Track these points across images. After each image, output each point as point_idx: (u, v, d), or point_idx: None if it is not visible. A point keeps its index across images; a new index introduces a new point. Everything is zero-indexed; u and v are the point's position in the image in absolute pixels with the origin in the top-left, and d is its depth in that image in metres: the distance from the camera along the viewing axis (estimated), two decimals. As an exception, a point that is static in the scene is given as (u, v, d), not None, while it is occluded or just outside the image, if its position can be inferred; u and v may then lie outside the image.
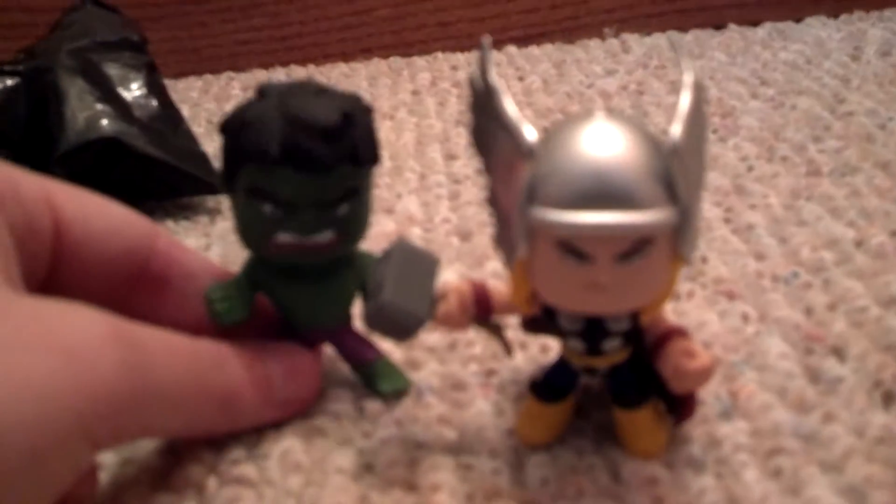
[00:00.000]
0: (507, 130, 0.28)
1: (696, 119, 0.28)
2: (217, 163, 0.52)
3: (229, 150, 0.33)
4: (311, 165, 0.31)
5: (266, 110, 0.31)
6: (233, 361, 0.32)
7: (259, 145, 0.31)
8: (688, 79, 0.28)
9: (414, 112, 0.66)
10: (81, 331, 0.26)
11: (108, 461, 0.34)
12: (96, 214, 0.33)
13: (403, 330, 0.32)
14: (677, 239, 0.28)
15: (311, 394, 0.35)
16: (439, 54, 0.77)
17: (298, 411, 0.35)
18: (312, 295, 0.35)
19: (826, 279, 0.42)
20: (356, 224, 0.34)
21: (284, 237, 0.32)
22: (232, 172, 0.33)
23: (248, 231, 0.34)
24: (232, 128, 0.32)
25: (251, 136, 0.31)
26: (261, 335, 0.36)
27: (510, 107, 0.28)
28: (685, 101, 0.28)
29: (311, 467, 0.33)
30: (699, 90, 0.29)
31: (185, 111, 0.57)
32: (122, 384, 0.27)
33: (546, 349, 0.38)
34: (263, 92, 0.32)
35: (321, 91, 0.32)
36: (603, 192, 0.27)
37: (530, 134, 0.28)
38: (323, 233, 0.33)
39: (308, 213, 0.32)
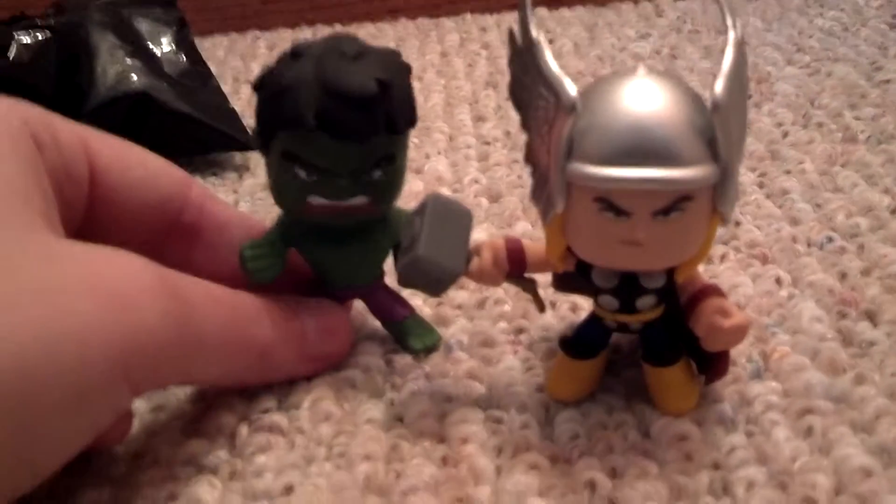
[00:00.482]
0: (548, 85, 0.28)
1: (739, 77, 0.28)
2: (246, 119, 0.53)
3: (264, 114, 0.32)
4: (346, 135, 0.31)
5: (302, 76, 0.31)
6: (270, 315, 0.32)
7: (294, 113, 0.31)
8: (732, 36, 0.28)
9: (442, 73, 0.65)
10: (127, 278, 0.27)
11: (141, 408, 0.34)
12: (132, 162, 0.33)
13: (437, 284, 0.32)
14: (717, 196, 0.28)
15: (343, 349, 0.36)
16: (468, 16, 0.77)
17: (330, 366, 0.35)
18: (345, 254, 0.35)
19: (861, 244, 0.42)
20: (390, 188, 0.34)
21: (318, 200, 0.32)
22: (267, 135, 0.32)
23: (282, 193, 0.33)
24: (268, 91, 0.32)
25: (287, 104, 0.31)
26: (293, 290, 0.36)
27: (551, 61, 0.28)
28: (728, 58, 0.27)
29: (342, 418, 0.33)
30: (742, 48, 0.28)
31: (212, 69, 0.57)
32: (164, 332, 0.27)
33: (577, 308, 0.38)
34: (299, 52, 0.32)
35: (358, 54, 0.31)
36: (643, 148, 0.27)
37: (571, 89, 0.27)
38: (357, 197, 0.32)
39: (342, 178, 0.32)
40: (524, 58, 0.29)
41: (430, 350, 0.36)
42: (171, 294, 0.27)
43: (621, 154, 0.27)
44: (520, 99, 0.30)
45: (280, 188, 0.33)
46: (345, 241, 0.34)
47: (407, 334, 0.37)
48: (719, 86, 0.27)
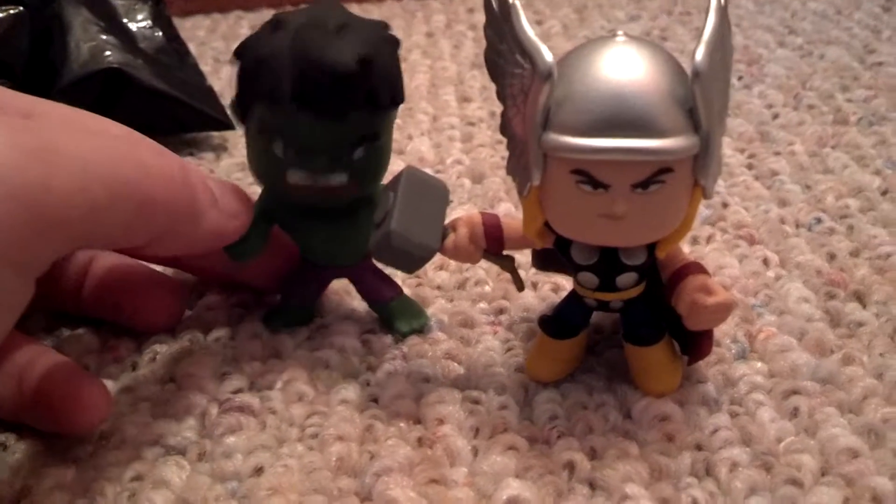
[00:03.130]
0: (524, 52, 0.27)
1: (721, 45, 0.27)
2: (225, 100, 0.52)
3: (242, 84, 0.31)
4: (323, 111, 0.30)
5: (280, 48, 0.30)
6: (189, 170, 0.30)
7: (271, 88, 0.30)
8: (713, 2, 0.27)
9: (428, 54, 0.64)
10: None
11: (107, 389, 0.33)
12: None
13: (411, 260, 0.30)
14: (697, 168, 0.27)
15: (248, 215, 0.33)
16: (455, -4, 0.76)
17: (242, 227, 0.32)
18: (330, 234, 0.34)
19: (850, 226, 0.41)
20: (373, 168, 0.32)
21: (296, 176, 0.31)
22: (244, 106, 0.31)
23: (260, 166, 0.32)
24: (245, 61, 0.31)
25: (263, 76, 0.30)
26: (277, 265, 0.35)
27: (527, 27, 0.27)
28: (710, 23, 0.26)
29: (315, 398, 0.32)
30: (725, 15, 0.27)
31: (193, 49, 0.56)
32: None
33: (558, 288, 0.37)
34: (280, 23, 0.31)
35: (341, 27, 0.30)
36: (622, 118, 0.26)
37: (548, 55, 0.26)
38: (336, 175, 0.31)
39: (321, 155, 0.31)
40: (500, 24, 0.28)
41: (417, 332, 0.35)
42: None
43: (599, 124, 0.26)
44: (496, 67, 0.29)
45: (258, 161, 0.32)
46: (329, 220, 0.33)
47: (394, 316, 0.35)
48: (699, 53, 0.26)
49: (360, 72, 0.29)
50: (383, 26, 0.32)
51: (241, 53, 0.31)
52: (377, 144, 0.32)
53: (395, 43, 0.32)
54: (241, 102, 0.31)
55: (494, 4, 0.29)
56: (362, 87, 0.30)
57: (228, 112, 0.32)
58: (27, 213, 0.24)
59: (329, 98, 0.29)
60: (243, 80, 0.31)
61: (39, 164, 0.24)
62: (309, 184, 0.31)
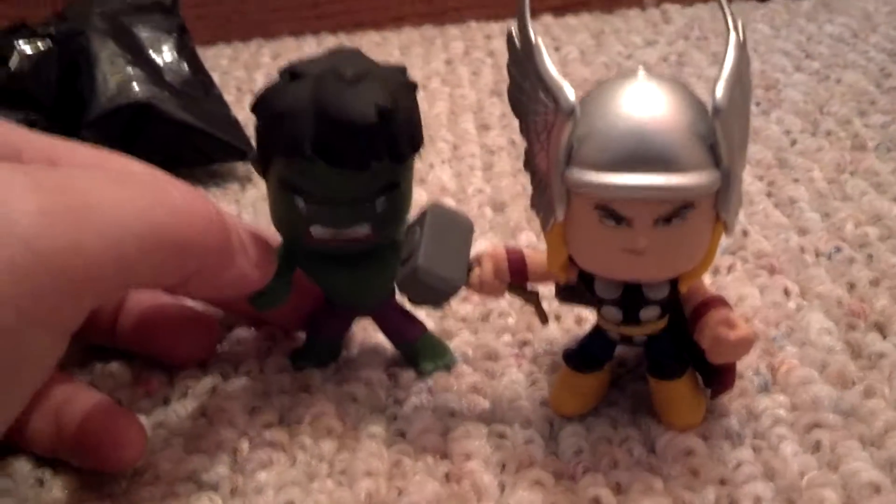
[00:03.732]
0: (547, 89, 0.27)
1: (741, 80, 0.28)
2: (249, 129, 0.53)
3: (261, 138, 0.31)
4: (344, 164, 0.30)
5: (299, 101, 0.30)
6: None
7: (291, 141, 0.30)
8: (733, 38, 0.27)
9: (447, 82, 0.65)
10: None
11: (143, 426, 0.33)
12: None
13: (437, 296, 0.31)
14: (719, 203, 0.28)
15: (273, 266, 0.33)
16: (473, 23, 0.76)
17: (266, 277, 0.32)
18: (353, 279, 0.34)
19: (870, 254, 0.41)
20: (395, 215, 0.32)
21: (319, 230, 0.31)
22: (265, 160, 0.31)
23: (282, 221, 0.32)
24: (264, 115, 0.31)
25: (283, 130, 0.30)
26: (302, 306, 0.36)
27: (550, 65, 0.27)
28: (729, 60, 0.27)
29: (344, 433, 0.33)
30: (743, 51, 0.28)
31: (215, 79, 0.57)
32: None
33: (581, 320, 0.38)
34: (298, 73, 0.30)
35: (359, 76, 0.30)
36: (643, 154, 0.27)
37: (570, 93, 0.27)
38: (359, 226, 0.31)
39: (343, 208, 0.31)
40: (523, 62, 0.29)
41: (442, 370, 0.35)
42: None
43: (621, 160, 0.27)
44: (519, 104, 0.30)
45: (280, 216, 0.32)
46: (352, 265, 0.33)
47: (419, 355, 0.36)
48: (720, 89, 0.26)
49: (381, 123, 0.29)
50: (401, 71, 0.32)
51: (259, 107, 0.31)
52: (398, 192, 0.32)
53: (414, 88, 0.32)
54: (262, 157, 0.31)
55: (517, 43, 0.29)
56: (383, 139, 0.30)
57: (252, 163, 0.32)
58: (58, 278, 0.24)
59: (350, 151, 0.30)
60: (263, 134, 0.31)
61: (69, 227, 0.25)
62: (332, 236, 0.31)
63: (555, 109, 0.27)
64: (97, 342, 0.37)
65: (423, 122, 0.32)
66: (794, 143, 0.53)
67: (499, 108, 0.59)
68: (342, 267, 0.33)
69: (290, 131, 0.29)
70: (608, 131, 0.27)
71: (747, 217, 0.45)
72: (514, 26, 0.29)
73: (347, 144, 0.29)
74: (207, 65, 0.57)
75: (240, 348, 0.37)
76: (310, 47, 0.74)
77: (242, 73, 0.69)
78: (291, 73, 0.30)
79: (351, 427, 0.33)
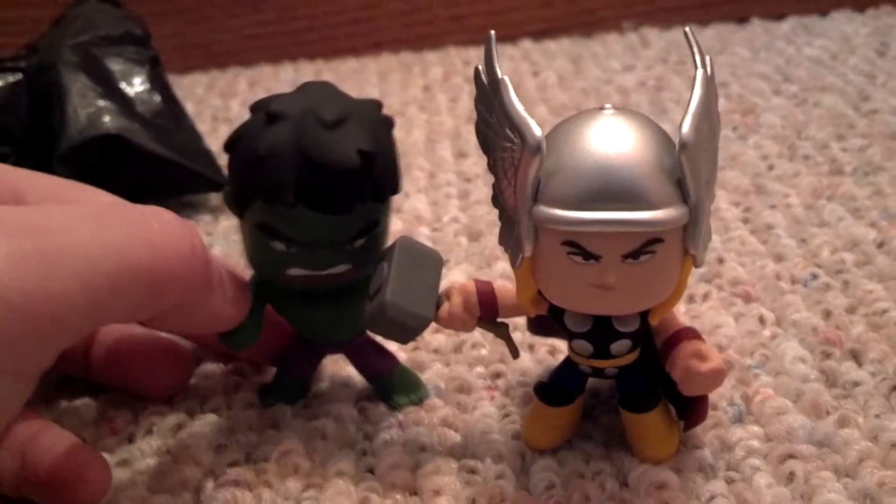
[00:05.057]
0: (513, 126, 0.27)
1: (709, 115, 0.27)
2: (223, 160, 0.52)
3: (239, 180, 0.31)
4: (329, 209, 0.29)
5: (279, 145, 0.29)
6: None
7: (272, 187, 0.29)
8: (700, 73, 0.27)
9: (424, 108, 0.65)
10: None
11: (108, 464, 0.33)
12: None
13: (406, 331, 0.31)
14: (687, 238, 0.27)
15: (246, 305, 0.32)
16: (451, 49, 0.76)
17: (239, 316, 0.32)
18: (325, 315, 0.33)
19: (846, 281, 0.41)
20: (373, 253, 0.32)
21: (297, 272, 0.31)
22: (241, 202, 0.31)
23: (259, 263, 0.32)
24: (242, 158, 0.30)
25: (264, 175, 0.29)
26: (272, 341, 0.35)
27: (516, 101, 0.27)
28: (696, 95, 0.27)
29: (311, 470, 0.32)
30: (711, 85, 0.28)
31: (190, 107, 0.57)
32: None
33: (555, 350, 0.37)
34: (276, 115, 0.29)
35: (339, 120, 0.29)
36: (610, 190, 0.26)
37: (536, 130, 0.27)
38: (339, 266, 0.31)
39: (324, 250, 0.31)
40: (490, 99, 0.29)
41: (415, 404, 0.35)
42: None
43: (588, 196, 0.26)
44: (487, 140, 0.29)
45: (257, 259, 0.32)
46: (324, 301, 0.33)
47: (392, 390, 0.35)
48: (686, 125, 0.26)
49: (364, 167, 0.29)
50: (377, 107, 0.31)
51: (236, 149, 0.30)
52: (377, 231, 0.32)
53: (391, 125, 0.32)
54: (238, 199, 0.31)
55: (484, 79, 0.29)
56: (366, 182, 0.30)
57: (224, 200, 0.32)
58: (27, 324, 0.24)
59: (334, 196, 0.29)
60: (240, 176, 0.30)
61: (37, 269, 0.24)
62: (310, 275, 0.31)
63: (521, 146, 0.27)
64: (68, 373, 0.37)
65: (400, 150, 0.32)
66: (771, 168, 0.53)
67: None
68: (314, 303, 0.33)
69: (271, 176, 0.29)
70: (575, 167, 0.27)
71: (723, 244, 0.45)
72: (481, 63, 0.29)
73: (331, 190, 0.29)
74: (182, 93, 0.57)
75: (207, 383, 0.37)
76: (287, 75, 0.74)
77: (219, 101, 0.68)
78: (269, 115, 0.30)
79: (319, 464, 0.32)
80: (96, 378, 0.36)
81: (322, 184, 0.29)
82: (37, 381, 0.26)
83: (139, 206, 0.29)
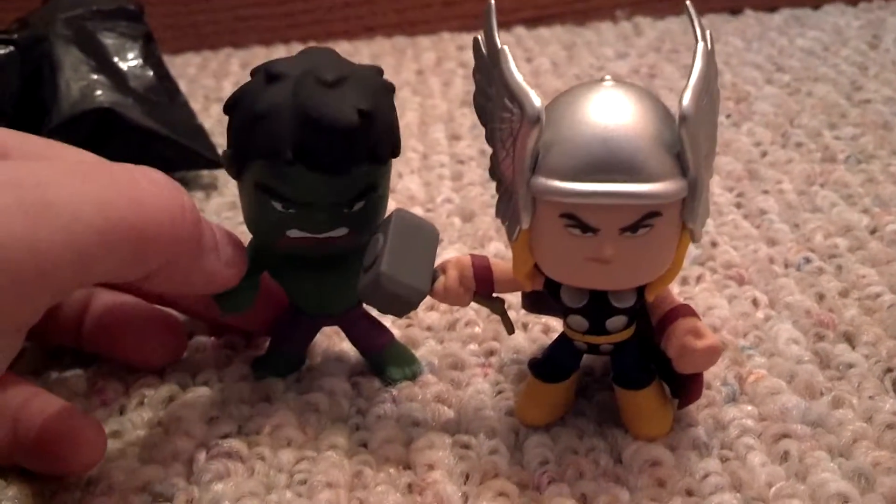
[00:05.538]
0: (512, 96, 0.27)
1: (708, 89, 0.27)
2: (216, 137, 0.52)
3: (237, 140, 0.30)
4: (326, 167, 0.29)
5: (278, 103, 0.29)
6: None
7: (271, 145, 0.29)
8: (700, 46, 0.27)
9: (418, 92, 0.64)
10: None
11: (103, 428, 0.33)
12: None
13: (401, 304, 0.30)
14: (685, 212, 0.27)
15: (243, 267, 0.32)
16: (445, 34, 0.76)
17: (236, 277, 0.32)
18: (321, 283, 0.33)
19: (839, 265, 0.41)
20: (371, 218, 0.32)
21: (296, 233, 0.31)
22: (240, 162, 0.30)
23: (257, 225, 0.32)
24: (241, 116, 0.30)
25: (262, 133, 0.29)
26: (267, 310, 0.35)
27: (516, 71, 0.27)
28: (697, 68, 0.27)
29: (304, 443, 0.32)
30: (711, 59, 0.28)
31: (183, 87, 0.56)
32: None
33: (548, 329, 0.37)
34: (275, 74, 0.29)
35: (338, 80, 0.29)
36: (609, 162, 0.26)
37: (536, 100, 0.26)
38: (337, 229, 0.31)
39: (321, 212, 0.30)
40: (489, 68, 0.28)
41: (409, 379, 0.35)
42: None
43: (587, 168, 0.26)
44: (484, 111, 0.29)
45: (255, 220, 0.32)
46: (320, 269, 0.33)
47: (386, 364, 0.35)
48: (686, 97, 0.26)
49: (362, 126, 0.29)
50: (378, 72, 0.31)
51: (235, 108, 0.30)
52: (376, 195, 0.31)
53: (392, 90, 0.31)
54: (236, 158, 0.30)
55: (483, 49, 0.29)
56: (365, 142, 0.29)
57: (223, 163, 0.31)
58: (11, 276, 0.24)
59: (332, 155, 0.29)
60: (239, 135, 0.30)
61: (22, 221, 0.24)
62: (309, 237, 0.31)
63: (520, 116, 0.27)
64: (62, 345, 0.36)
65: (401, 142, 0.32)
66: (764, 154, 0.53)
67: (469, 119, 0.59)
68: (311, 271, 0.33)
69: (269, 134, 0.29)
70: (574, 139, 0.27)
71: (716, 228, 0.45)
72: (480, 33, 0.29)
73: (329, 148, 0.29)
74: (175, 73, 0.56)
75: (199, 356, 0.36)
76: (279, 56, 0.73)
77: (211, 81, 0.68)
78: (269, 74, 0.30)
79: (312, 437, 0.32)
80: (88, 347, 0.36)
81: (320, 142, 0.29)
82: (22, 339, 0.26)
83: (128, 165, 0.28)
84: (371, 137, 0.29)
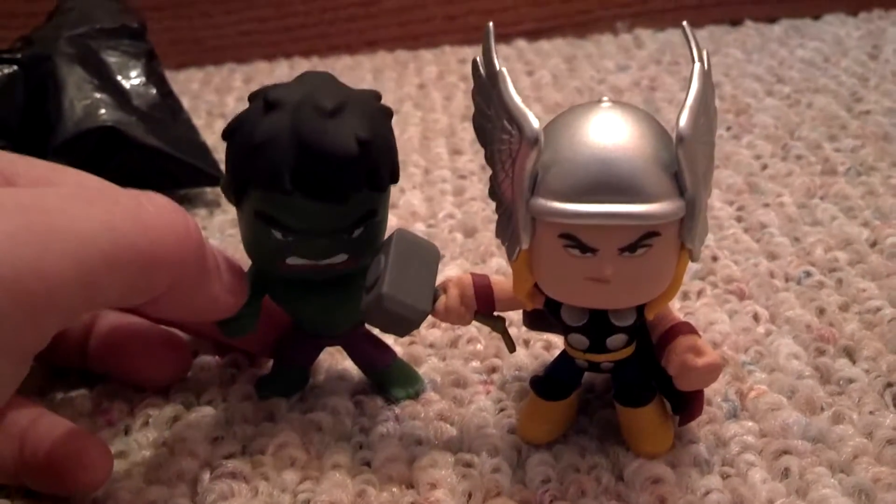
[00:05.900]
0: (511, 118, 0.27)
1: (706, 109, 0.28)
2: (219, 154, 0.52)
3: (236, 168, 0.30)
4: (325, 196, 0.29)
5: (277, 132, 0.29)
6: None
7: (270, 174, 0.29)
8: (697, 67, 0.27)
9: (419, 106, 0.65)
10: None
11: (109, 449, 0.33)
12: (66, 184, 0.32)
13: (402, 324, 0.30)
14: (683, 232, 0.27)
15: (244, 294, 0.32)
16: (446, 47, 0.76)
17: (237, 305, 0.32)
18: (323, 305, 0.33)
19: (839, 279, 0.41)
20: (371, 243, 0.32)
21: (296, 261, 0.31)
22: (239, 190, 0.30)
23: (257, 251, 0.32)
24: (240, 145, 0.30)
25: (261, 162, 0.29)
26: (270, 332, 0.35)
27: (514, 93, 0.27)
28: (693, 89, 0.27)
29: (307, 463, 0.32)
30: (708, 79, 0.28)
31: (186, 103, 0.56)
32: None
33: (550, 346, 0.38)
34: (274, 103, 0.29)
35: (337, 108, 0.29)
36: (607, 183, 0.27)
37: (534, 122, 0.27)
38: (337, 255, 0.31)
39: (321, 239, 0.30)
40: (488, 90, 0.29)
41: (412, 397, 0.35)
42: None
43: (585, 189, 0.27)
44: (484, 132, 0.29)
45: (254, 247, 0.32)
46: (322, 291, 0.33)
47: (389, 382, 0.35)
48: (683, 118, 0.26)
49: (361, 155, 0.29)
50: (376, 97, 0.31)
51: (234, 136, 0.30)
52: (375, 221, 0.31)
53: (390, 115, 0.31)
54: (235, 186, 0.31)
55: (482, 71, 0.29)
56: (363, 170, 0.29)
57: (222, 190, 0.32)
58: (19, 302, 0.24)
59: (331, 183, 0.29)
60: (238, 163, 0.30)
61: (30, 248, 0.24)
62: (309, 265, 0.31)
63: (519, 138, 0.27)
64: (68, 365, 0.37)
65: (398, 168, 0.32)
66: (764, 167, 0.53)
67: (471, 133, 0.58)
68: (313, 293, 0.33)
69: (268, 163, 0.29)
70: (573, 160, 0.27)
71: (717, 242, 0.45)
72: (479, 55, 0.29)
73: (328, 177, 0.29)
74: (178, 89, 0.57)
75: (203, 376, 0.37)
76: (282, 71, 0.74)
77: (214, 97, 0.68)
78: (267, 102, 0.30)
79: (315, 457, 0.32)
80: (94, 366, 0.36)
81: (319, 171, 0.29)
82: (29, 365, 0.26)
83: (133, 191, 0.29)
84: (370, 165, 0.30)
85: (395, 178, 0.31)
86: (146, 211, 0.27)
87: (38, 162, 0.32)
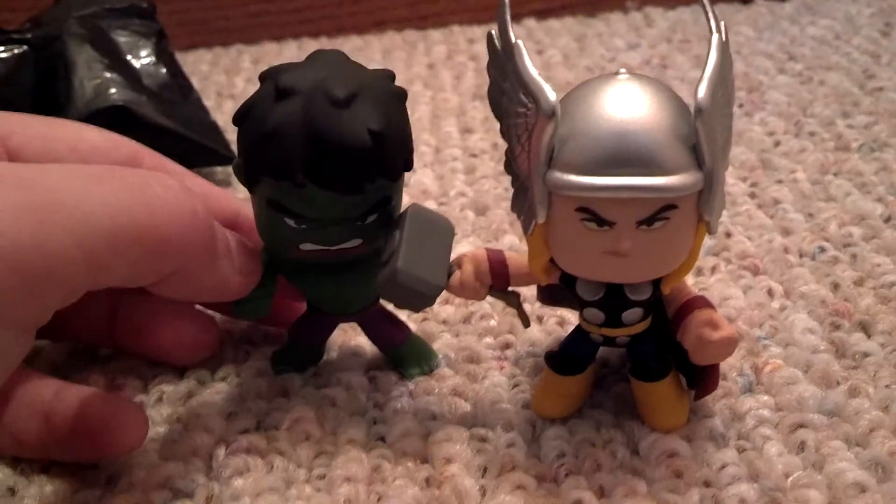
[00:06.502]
0: (527, 90, 0.27)
1: (723, 81, 0.27)
2: (229, 134, 0.52)
3: (249, 154, 0.30)
4: (338, 188, 0.29)
5: (289, 122, 0.28)
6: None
7: (282, 165, 0.28)
8: (715, 38, 0.27)
9: (429, 85, 0.64)
10: None
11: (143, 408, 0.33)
12: (57, 138, 0.32)
13: (418, 299, 0.30)
14: (701, 204, 0.27)
15: (256, 276, 0.32)
16: (455, 27, 0.76)
17: (248, 286, 0.32)
18: (338, 286, 0.33)
19: (854, 254, 0.41)
20: (385, 228, 0.31)
21: (309, 247, 0.31)
22: (252, 176, 0.30)
23: (271, 237, 0.32)
24: (252, 132, 0.29)
25: (273, 153, 0.29)
26: (285, 309, 0.35)
27: (530, 66, 0.27)
28: (712, 61, 0.27)
29: (322, 438, 0.32)
30: (726, 50, 0.27)
31: (195, 84, 0.56)
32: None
33: (564, 322, 0.37)
34: (286, 91, 0.28)
35: (350, 97, 0.28)
36: (625, 155, 0.26)
37: (551, 94, 0.26)
38: (350, 241, 0.31)
39: (335, 226, 0.30)
40: (503, 63, 0.28)
41: (427, 374, 0.35)
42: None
43: (603, 162, 0.26)
44: (499, 106, 0.29)
45: (267, 233, 0.31)
46: (337, 273, 0.33)
47: (404, 359, 0.35)
48: (702, 90, 0.26)
49: (375, 147, 0.28)
50: (389, 79, 0.30)
51: (245, 124, 0.30)
52: (389, 207, 0.31)
53: (404, 97, 0.31)
54: (248, 173, 0.30)
55: (498, 44, 0.29)
56: (377, 161, 0.29)
57: (234, 172, 0.32)
58: (17, 275, 0.24)
59: (344, 175, 0.29)
60: (250, 152, 0.30)
61: (31, 223, 0.24)
62: (322, 250, 0.31)
63: (535, 111, 0.27)
64: (94, 343, 0.37)
65: (413, 155, 0.31)
66: (777, 144, 0.52)
67: (481, 112, 0.59)
68: (327, 275, 0.33)
69: (280, 154, 0.28)
70: (590, 132, 0.27)
71: (731, 218, 0.45)
72: (494, 27, 0.29)
73: (341, 169, 0.29)
74: (187, 70, 0.57)
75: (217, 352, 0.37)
76: (291, 52, 0.73)
77: (223, 77, 0.68)
78: (278, 89, 0.29)
79: (330, 432, 0.32)
80: (120, 343, 0.36)
81: (332, 164, 0.28)
82: (32, 338, 0.26)
83: (141, 170, 0.29)
84: (384, 156, 0.29)
85: (409, 165, 0.31)
86: (154, 192, 0.27)
87: (34, 118, 0.31)
